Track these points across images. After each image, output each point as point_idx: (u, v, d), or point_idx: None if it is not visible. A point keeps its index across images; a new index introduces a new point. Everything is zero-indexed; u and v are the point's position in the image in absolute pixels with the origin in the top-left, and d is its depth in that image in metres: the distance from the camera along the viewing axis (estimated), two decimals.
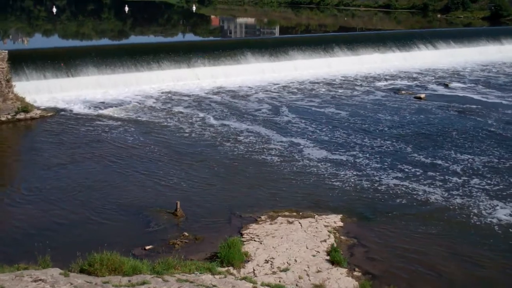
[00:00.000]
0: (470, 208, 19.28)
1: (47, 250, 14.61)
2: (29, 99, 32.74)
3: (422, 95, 38.11)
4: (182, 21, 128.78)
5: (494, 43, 61.78)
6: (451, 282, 14.61)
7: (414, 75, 47.04)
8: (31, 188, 21.34)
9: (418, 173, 22.72)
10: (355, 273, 14.83)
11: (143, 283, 12.27)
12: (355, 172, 22.79)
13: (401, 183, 21.58)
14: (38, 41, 76.41)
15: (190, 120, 30.84)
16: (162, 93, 37.88)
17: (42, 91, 35.47)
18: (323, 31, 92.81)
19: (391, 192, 20.77)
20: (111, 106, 33.93)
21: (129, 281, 12.24)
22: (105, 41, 78.52)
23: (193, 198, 20.14)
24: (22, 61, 36.09)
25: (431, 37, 58.62)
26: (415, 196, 20.34)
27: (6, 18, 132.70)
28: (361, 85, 41.99)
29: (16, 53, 35.41)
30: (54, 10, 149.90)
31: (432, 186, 21.35)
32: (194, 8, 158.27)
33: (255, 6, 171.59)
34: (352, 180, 21.89)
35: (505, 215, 18.75)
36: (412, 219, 18.48)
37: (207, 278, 13.25)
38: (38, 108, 32.52)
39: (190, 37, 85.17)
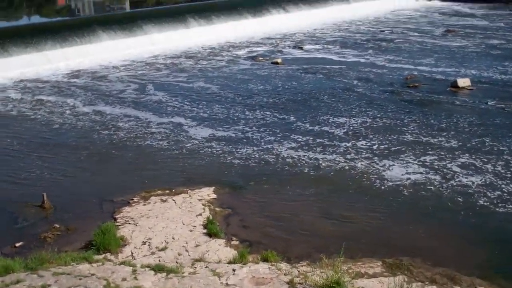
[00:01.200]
0: (352, 171, 19.89)
1: None
2: None
3: (279, 60, 38.97)
4: (26, 3, 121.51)
5: (342, 3, 64.00)
6: (324, 239, 15.28)
7: (269, 41, 47.89)
8: None
9: (296, 140, 23.21)
10: (233, 242, 15.11)
11: (17, 281, 11.83)
12: (228, 144, 23.01)
13: (276, 151, 22.03)
14: None
15: (54, 109, 29.34)
16: (14, 81, 35.70)
17: None
18: (175, 2, 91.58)
19: (264, 160, 21.15)
20: None
21: (2, 281, 11.72)
22: None
23: (62, 189, 19.41)
24: None
25: (282, 1, 59.82)
26: (292, 162, 20.82)
27: None
28: (221, 56, 42.06)
29: None
30: None
31: (313, 151, 21.87)
32: None
33: None
34: (225, 153, 22.08)
35: (389, 174, 19.71)
36: (288, 185, 18.95)
37: (84, 267, 12.95)
38: None
39: (36, 19, 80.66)
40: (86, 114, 28.00)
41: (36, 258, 13.23)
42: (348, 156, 21.00)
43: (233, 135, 24.12)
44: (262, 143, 22.83)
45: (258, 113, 27.00)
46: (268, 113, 27.03)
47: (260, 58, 40.36)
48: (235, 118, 26.40)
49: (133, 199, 18.14)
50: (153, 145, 23.26)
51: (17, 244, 15.67)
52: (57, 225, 16.68)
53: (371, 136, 23.12)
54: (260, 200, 17.97)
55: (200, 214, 16.70)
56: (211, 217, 16.36)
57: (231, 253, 14.35)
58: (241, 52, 43.18)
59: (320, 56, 40.66)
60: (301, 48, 43.87)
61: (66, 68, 38.80)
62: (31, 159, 22.27)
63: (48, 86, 34.17)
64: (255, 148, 22.28)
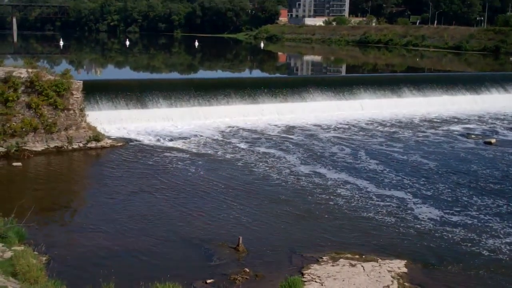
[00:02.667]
0: None
1: (111, 277, 14.90)
2: (100, 128, 33.79)
3: (493, 140, 37.04)
4: (250, 57, 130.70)
5: None
6: None
7: (484, 119, 45.83)
8: (99, 215, 21.92)
9: (494, 225, 21.81)
10: None
11: None
12: (426, 220, 22.20)
13: (475, 233, 20.86)
14: (111, 73, 79.17)
15: (258, 157, 30.91)
16: (228, 127, 38.41)
17: (113, 122, 36.57)
18: (391, 71, 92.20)
19: (460, 241, 20.09)
20: (179, 139, 34.64)
21: None
22: (174, 75, 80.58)
23: (256, 235, 20.14)
24: (95, 92, 37.35)
25: (502, 80, 57.23)
26: (485, 247, 19.58)
27: (81, 49, 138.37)
28: (434, 129, 41.10)
29: (89, 84, 36.68)
30: (127, 43, 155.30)
31: (505, 238, 20.50)
32: (262, 44, 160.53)
33: (322, 44, 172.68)
34: (423, 226, 21.34)
35: None
36: (481, 269, 17.83)
37: None
38: (108, 137, 33.54)
39: (257, 73, 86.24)
40: (302, 173, 28.39)
41: None
42: None
43: (463, 221, 22.24)
44: (458, 225, 21.56)
45: (486, 199, 25.03)
46: (498, 199, 25.03)
47: (473, 136, 38.69)
48: (464, 202, 24.63)
49: (322, 258, 18.19)
50: (373, 217, 22.43)
51: (208, 281, 16.50)
52: (247, 269, 17.28)
53: None
54: (452, 282, 16.92)
55: (388, 286, 16.19)
56: None
57: None
58: (455, 128, 41.81)
59: None
60: None
61: (276, 122, 40.80)
62: (232, 203, 23.43)
63: (256, 136, 36.15)
64: (449, 229, 21.14)
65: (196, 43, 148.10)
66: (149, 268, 17.30)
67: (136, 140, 33.94)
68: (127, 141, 33.65)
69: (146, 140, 34.12)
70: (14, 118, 30.56)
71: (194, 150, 32.05)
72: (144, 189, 25.11)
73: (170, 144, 33.43)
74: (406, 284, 16.60)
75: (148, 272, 16.68)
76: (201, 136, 35.66)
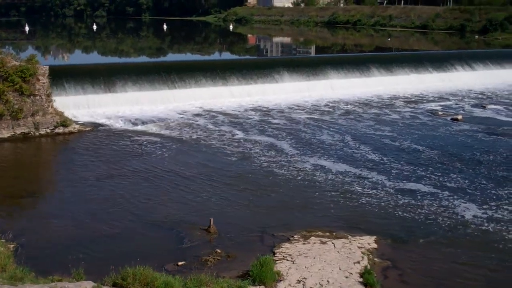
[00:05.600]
0: None
1: (81, 262, 14.85)
2: (68, 114, 33.32)
3: (459, 117, 37.58)
4: (219, 40, 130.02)
5: None
6: None
7: (451, 97, 46.47)
8: (68, 201, 21.70)
9: (461, 199, 22.19)
10: None
11: None
12: (397, 195, 22.49)
13: (444, 208, 21.13)
14: (78, 57, 78.07)
15: (229, 140, 30.87)
16: (200, 110, 38.25)
17: (81, 106, 36.12)
18: (359, 51, 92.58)
19: (432, 216, 20.34)
20: (149, 122, 34.39)
21: None
22: (143, 59, 79.85)
23: (228, 217, 20.15)
24: (62, 77, 36.81)
25: (469, 58, 57.96)
26: (456, 221, 19.89)
27: (48, 35, 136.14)
28: (400, 107, 41.65)
29: (56, 69, 36.14)
30: (95, 27, 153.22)
31: (476, 211, 20.86)
32: (231, 27, 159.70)
33: (291, 26, 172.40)
34: (392, 203, 21.60)
35: None
36: (451, 243, 18.10)
37: None
38: (76, 122, 33.12)
39: (226, 55, 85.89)
40: (273, 154, 28.77)
41: (195, 279, 13.80)
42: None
43: (399, 187, 23.44)
44: (436, 201, 21.89)
45: (453, 174, 25.54)
46: (464, 174, 25.62)
47: (440, 113, 39.21)
48: (431, 177, 25.04)
49: (293, 236, 18.31)
50: (343, 195, 23.01)
51: (180, 263, 16.48)
52: (218, 250, 17.31)
53: None
54: (422, 256, 17.20)
55: (358, 262, 16.38)
56: (369, 267, 15.98)
57: None
58: (422, 105, 42.35)
59: (503, 118, 38.47)
60: (484, 107, 41.92)
61: (247, 103, 40.73)
62: (203, 186, 23.38)
63: (227, 118, 36.08)
64: (419, 204, 21.46)
65: (165, 27, 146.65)
66: (119, 252, 17.20)
67: (105, 125, 33.59)
68: (95, 126, 33.28)
69: (115, 124, 33.79)
70: None
71: (164, 134, 31.86)
72: (114, 173, 24.90)
73: (140, 128, 33.17)
74: (376, 259, 16.80)
75: (118, 256, 16.55)
76: (171, 119, 35.45)
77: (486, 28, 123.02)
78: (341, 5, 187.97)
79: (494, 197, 22.34)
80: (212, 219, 18.95)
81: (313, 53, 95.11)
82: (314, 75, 47.44)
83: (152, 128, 33.12)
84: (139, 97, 38.83)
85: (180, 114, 36.98)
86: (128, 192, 22.54)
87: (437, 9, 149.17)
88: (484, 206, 21.25)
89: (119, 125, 33.69)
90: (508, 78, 55.79)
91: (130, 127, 33.35)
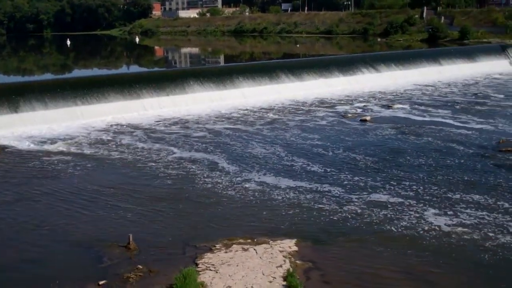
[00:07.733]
0: (432, 232, 19.39)
1: None
2: None
3: (368, 118, 38.86)
4: (126, 53, 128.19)
5: (433, 64, 63.73)
6: None
7: (359, 99, 48.00)
8: None
9: (377, 198, 22.86)
10: None
11: None
12: (314, 198, 22.91)
13: (361, 206, 21.72)
14: None
15: (143, 154, 30.40)
16: (110, 125, 37.48)
17: None
18: (268, 58, 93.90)
19: (348, 215, 20.83)
20: (58, 141, 33.33)
21: None
22: (48, 76, 77.43)
23: (147, 232, 19.80)
24: None
25: (373, 61, 60.09)
26: (373, 219, 20.45)
27: None
28: (311, 111, 42.58)
29: None
30: None
31: (391, 209, 21.53)
32: (137, 39, 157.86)
33: (198, 36, 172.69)
34: (310, 204, 21.98)
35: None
36: (371, 241, 18.57)
37: None
38: None
39: (135, 68, 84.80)
40: (189, 166, 28.28)
41: None
42: (432, 220, 20.34)
43: (316, 189, 23.89)
44: (344, 200, 22.51)
45: (364, 173, 26.27)
46: (376, 173, 26.36)
47: (349, 115, 40.40)
48: (344, 177, 25.62)
49: (215, 246, 18.27)
50: (261, 201, 23.16)
51: (101, 283, 16.04)
52: (140, 266, 17.00)
53: (463, 206, 22.30)
54: (342, 256, 17.61)
55: (281, 266, 16.57)
56: (291, 270, 16.20)
57: None
58: (330, 108, 43.45)
59: (409, 116, 40.11)
60: (390, 107, 43.58)
61: (159, 116, 40.28)
62: (119, 203, 22.88)
63: (139, 132, 35.50)
64: (336, 204, 22.00)
65: (68, 42, 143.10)
66: (34, 278, 16.49)
67: (11, 146, 32.26)
68: (1, 148, 31.91)
69: (23, 145, 32.51)
70: None
71: (75, 152, 30.96)
72: (25, 196, 23.93)
73: (50, 147, 32.07)
74: (297, 262, 17.04)
75: (34, 282, 15.93)
76: (81, 136, 34.49)
77: (387, 31, 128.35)
78: (247, 13, 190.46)
79: (412, 192, 23.21)
80: (131, 235, 18.59)
81: (222, 63, 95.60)
82: (225, 84, 47.64)
83: (62, 146, 32.11)
84: (45, 116, 37.55)
85: (90, 130, 36.06)
86: (41, 215, 21.71)
87: (340, 14, 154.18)
88: (406, 202, 22.05)
89: (27, 145, 32.46)
90: (411, 78, 58.43)
91: (39, 147, 32.20)
